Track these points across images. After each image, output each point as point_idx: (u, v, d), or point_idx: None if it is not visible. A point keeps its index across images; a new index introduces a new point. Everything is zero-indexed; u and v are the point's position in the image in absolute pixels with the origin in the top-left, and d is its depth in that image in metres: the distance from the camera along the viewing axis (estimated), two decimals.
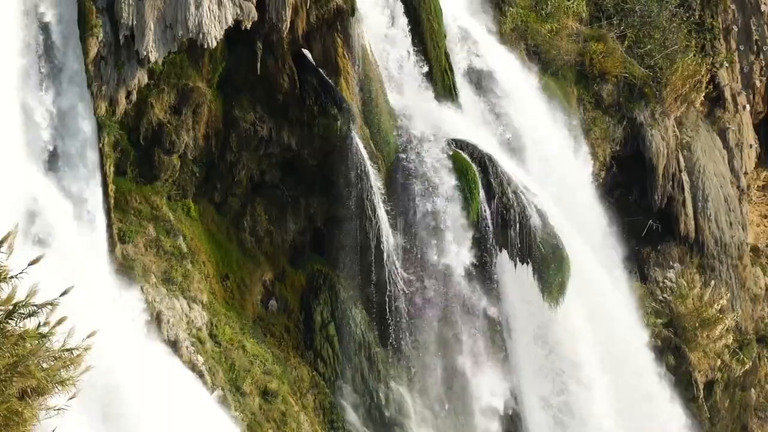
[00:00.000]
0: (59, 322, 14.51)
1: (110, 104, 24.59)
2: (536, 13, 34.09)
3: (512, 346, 30.11)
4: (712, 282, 35.88)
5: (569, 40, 34.38)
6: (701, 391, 34.91)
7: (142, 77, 24.85)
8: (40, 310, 14.43)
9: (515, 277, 29.38)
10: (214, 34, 24.70)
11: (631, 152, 35.22)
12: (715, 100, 38.33)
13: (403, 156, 28.28)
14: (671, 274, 35.61)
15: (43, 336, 14.47)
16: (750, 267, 38.09)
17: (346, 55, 27.48)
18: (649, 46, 35.38)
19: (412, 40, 29.42)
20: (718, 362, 35.48)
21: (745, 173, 39.03)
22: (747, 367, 36.45)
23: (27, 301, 14.42)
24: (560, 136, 32.93)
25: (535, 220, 28.81)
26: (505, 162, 29.33)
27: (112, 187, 24.94)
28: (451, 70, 30.22)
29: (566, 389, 30.74)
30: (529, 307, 30.02)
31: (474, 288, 28.75)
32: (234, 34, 25.55)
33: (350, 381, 28.30)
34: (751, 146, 39.24)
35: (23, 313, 14.45)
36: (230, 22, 24.95)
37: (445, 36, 30.14)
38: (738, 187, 38.10)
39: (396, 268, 27.68)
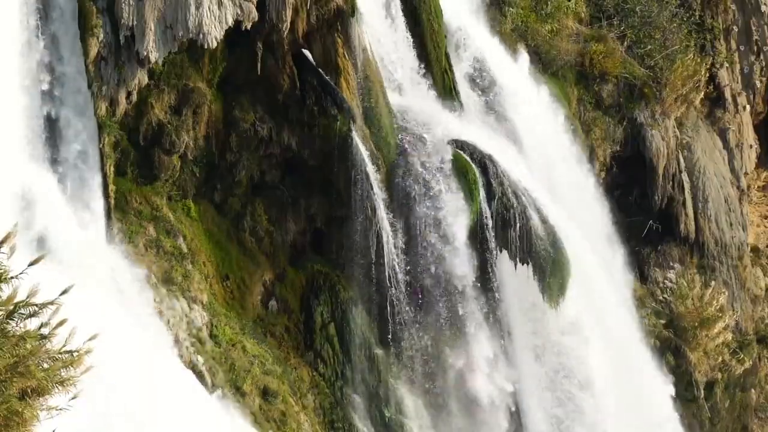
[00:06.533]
0: (60, 323, 14.50)
1: (110, 105, 24.59)
2: (536, 13, 34.08)
3: (513, 346, 30.11)
4: (713, 282, 35.89)
5: (569, 40, 34.38)
6: (701, 391, 34.92)
7: (142, 77, 24.84)
8: (41, 311, 14.42)
9: (516, 278, 29.38)
10: (214, 34, 24.69)
11: (631, 152, 35.22)
12: (715, 100, 38.31)
13: (404, 156, 28.28)
14: (671, 274, 35.61)
15: (44, 337, 14.46)
16: (750, 267, 38.10)
17: (346, 56, 27.48)
18: (649, 47, 35.38)
19: (412, 40, 29.42)
20: (719, 360, 35.49)
21: (746, 174, 39.02)
22: (747, 366, 36.45)
23: (27, 302, 14.40)
24: (561, 136, 32.94)
25: (535, 221, 28.82)
26: (505, 162, 29.31)
27: (112, 187, 24.94)
28: (451, 70, 30.22)
29: (567, 388, 30.74)
30: (529, 308, 30.03)
31: (475, 288, 28.74)
32: (234, 34, 25.55)
33: (350, 381, 28.30)
34: (751, 147, 39.23)
35: (24, 314, 14.44)
36: (230, 22, 24.94)
37: (446, 36, 30.14)
38: (738, 188, 38.10)
39: (396, 268, 27.68)
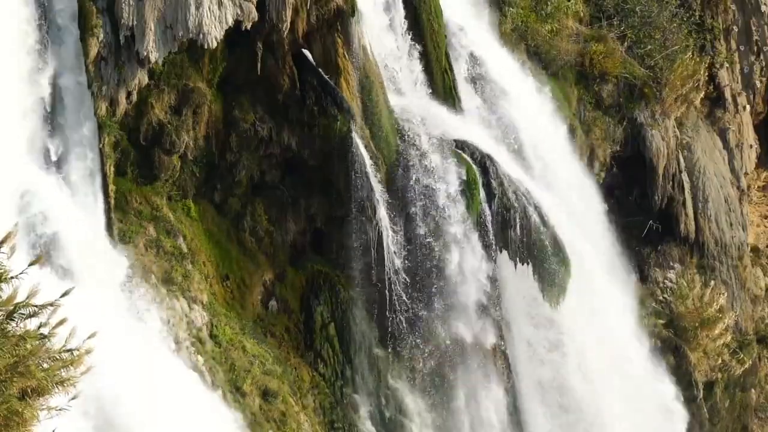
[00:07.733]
0: (60, 323, 14.52)
1: (110, 105, 24.59)
2: (536, 13, 34.07)
3: (512, 345, 30.13)
4: (712, 282, 35.89)
5: (569, 40, 34.38)
6: (701, 391, 34.92)
7: (142, 77, 24.85)
8: (41, 311, 14.44)
9: (516, 278, 29.39)
10: (214, 34, 24.69)
11: (631, 152, 35.23)
12: (715, 100, 38.32)
13: (404, 156, 28.27)
14: (671, 274, 35.62)
15: (44, 337, 14.48)
16: (750, 267, 38.10)
17: (346, 56, 27.47)
18: (649, 47, 35.38)
19: (412, 40, 29.41)
20: (719, 361, 35.49)
21: (746, 173, 39.02)
22: (747, 366, 36.46)
23: (28, 302, 14.42)
24: (560, 137, 32.96)
25: (535, 221, 28.82)
26: (505, 162, 29.32)
27: (112, 187, 24.94)
28: (451, 70, 30.21)
29: (565, 386, 30.78)
30: (529, 308, 30.04)
31: (474, 287, 28.74)
32: (234, 34, 25.54)
33: (350, 381, 28.30)
34: (751, 146, 39.23)
35: (24, 314, 14.45)
36: (230, 22, 24.94)
37: (446, 36, 30.14)
38: (738, 188, 38.10)
39: (396, 268, 27.67)
